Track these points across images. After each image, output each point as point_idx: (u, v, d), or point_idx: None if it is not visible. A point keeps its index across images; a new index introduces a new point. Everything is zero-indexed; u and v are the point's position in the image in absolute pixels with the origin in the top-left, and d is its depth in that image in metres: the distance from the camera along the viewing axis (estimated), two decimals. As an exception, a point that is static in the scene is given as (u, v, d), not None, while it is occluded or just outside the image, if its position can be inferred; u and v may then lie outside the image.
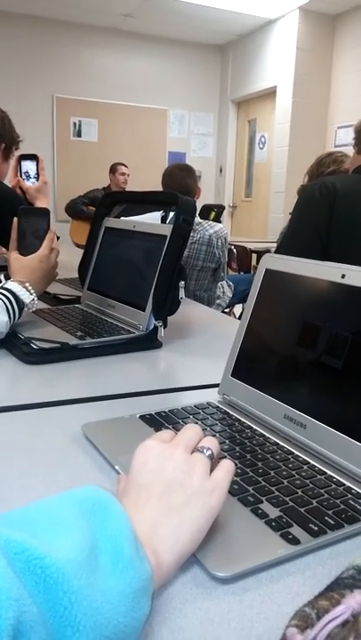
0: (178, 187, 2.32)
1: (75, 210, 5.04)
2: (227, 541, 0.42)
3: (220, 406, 0.69)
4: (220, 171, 6.61)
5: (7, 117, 1.64)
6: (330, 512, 0.46)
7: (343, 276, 0.58)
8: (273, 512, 0.46)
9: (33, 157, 1.52)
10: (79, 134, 5.96)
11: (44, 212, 1.09)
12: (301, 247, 1.28)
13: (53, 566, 0.29)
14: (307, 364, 0.60)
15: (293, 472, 0.52)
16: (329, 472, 0.53)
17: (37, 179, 1.52)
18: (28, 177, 1.52)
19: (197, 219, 2.31)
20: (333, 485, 0.50)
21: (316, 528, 0.44)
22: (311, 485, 0.50)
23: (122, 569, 0.32)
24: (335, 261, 0.61)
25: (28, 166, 1.52)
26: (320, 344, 0.58)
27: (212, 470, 0.44)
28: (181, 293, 1.00)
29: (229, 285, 2.72)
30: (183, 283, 1.00)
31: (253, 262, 4.00)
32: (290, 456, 0.56)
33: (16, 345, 0.91)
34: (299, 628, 0.30)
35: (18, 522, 0.33)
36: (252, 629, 0.35)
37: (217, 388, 0.73)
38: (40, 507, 0.35)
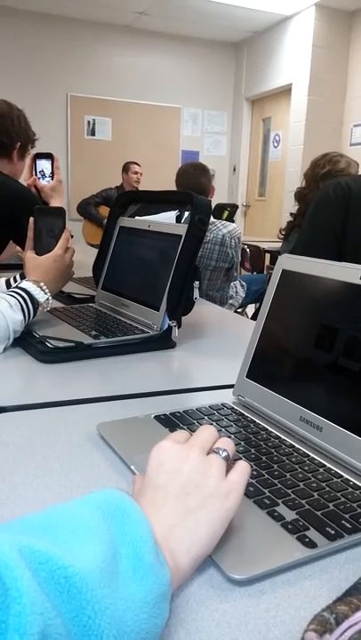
0: (192, 185, 2.32)
1: (85, 211, 5.06)
2: (243, 543, 0.42)
3: (235, 407, 0.69)
4: (234, 170, 6.58)
5: (23, 116, 1.65)
6: (347, 516, 0.46)
7: (361, 278, 0.58)
8: (289, 515, 0.46)
9: (48, 156, 1.52)
10: (93, 133, 5.98)
11: (60, 212, 1.10)
12: (318, 248, 1.27)
13: (77, 576, 0.29)
14: (323, 367, 0.59)
15: (310, 475, 0.52)
16: (345, 475, 0.52)
17: (52, 177, 1.53)
18: (44, 176, 1.53)
19: (210, 218, 2.31)
20: (350, 489, 0.50)
21: (333, 531, 0.43)
22: (328, 489, 0.50)
23: (142, 575, 0.32)
24: (351, 262, 0.61)
25: (44, 165, 1.53)
26: (337, 346, 0.58)
27: (227, 472, 0.43)
28: (196, 294, 1.00)
29: (242, 285, 2.71)
30: (198, 283, 1.00)
31: (267, 262, 3.97)
32: (306, 459, 0.55)
33: (31, 343, 0.92)
34: (317, 633, 0.30)
35: (39, 528, 0.33)
36: (269, 633, 0.35)
37: (231, 389, 0.73)
38: (61, 511, 0.35)
